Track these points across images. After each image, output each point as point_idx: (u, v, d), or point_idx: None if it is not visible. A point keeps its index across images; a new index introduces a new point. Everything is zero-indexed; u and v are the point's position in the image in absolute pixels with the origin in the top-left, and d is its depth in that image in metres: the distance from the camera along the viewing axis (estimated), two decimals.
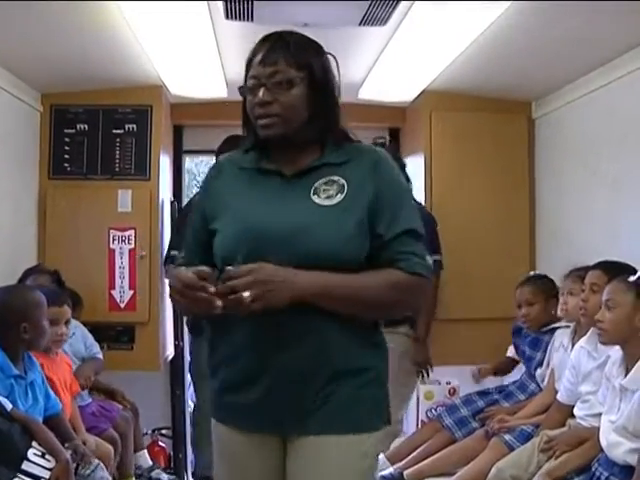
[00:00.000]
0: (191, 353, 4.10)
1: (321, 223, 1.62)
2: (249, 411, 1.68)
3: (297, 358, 1.61)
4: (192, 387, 4.13)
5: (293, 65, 1.66)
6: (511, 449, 2.96)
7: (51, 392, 2.80)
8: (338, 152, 1.71)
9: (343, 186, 1.66)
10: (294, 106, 1.66)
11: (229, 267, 1.53)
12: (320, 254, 1.59)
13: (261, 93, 1.65)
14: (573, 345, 3.07)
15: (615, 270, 2.70)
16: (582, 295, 2.90)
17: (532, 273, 3.61)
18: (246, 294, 1.48)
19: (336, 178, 1.67)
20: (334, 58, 1.76)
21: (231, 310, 1.51)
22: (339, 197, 1.65)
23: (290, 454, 1.67)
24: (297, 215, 1.64)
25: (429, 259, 1.69)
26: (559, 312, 3.27)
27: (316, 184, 1.67)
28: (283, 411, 1.64)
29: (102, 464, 2.81)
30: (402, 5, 2.74)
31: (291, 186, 1.69)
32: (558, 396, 3.02)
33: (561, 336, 3.28)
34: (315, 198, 1.66)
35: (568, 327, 3.32)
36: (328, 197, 1.65)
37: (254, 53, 1.70)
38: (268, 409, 1.65)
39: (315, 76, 1.68)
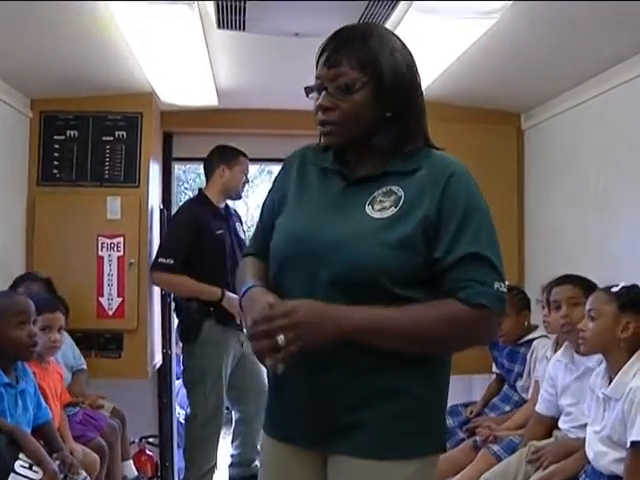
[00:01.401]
0: (183, 361, 4.08)
1: (364, 236, 1.50)
2: (283, 422, 1.64)
3: (326, 372, 1.53)
4: (186, 395, 4.12)
5: (356, 66, 1.52)
6: (499, 460, 2.97)
7: (42, 401, 2.78)
8: (410, 160, 1.57)
9: (400, 198, 1.53)
10: (355, 112, 1.54)
11: (271, 302, 1.48)
12: (357, 268, 1.48)
13: (321, 98, 1.56)
14: None
15: (580, 281, 2.84)
16: (561, 312, 2.91)
17: None
18: (280, 338, 1.40)
19: (396, 189, 1.54)
20: (409, 53, 1.62)
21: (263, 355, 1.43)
22: (392, 210, 1.52)
23: (329, 472, 1.60)
24: (346, 226, 1.53)
25: (499, 287, 1.49)
26: (543, 325, 3.28)
27: (375, 193, 1.55)
28: (314, 426, 1.57)
29: (89, 478, 2.79)
30: (393, 18, 2.76)
31: (351, 193, 1.59)
32: (537, 407, 3.04)
33: (542, 348, 3.29)
34: (369, 209, 1.54)
35: (545, 337, 3.33)
36: (382, 209, 1.53)
37: (322, 50, 1.58)
38: (298, 422, 1.60)
39: (383, 77, 1.54)
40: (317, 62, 1.58)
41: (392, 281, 1.48)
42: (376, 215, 1.53)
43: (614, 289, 2.54)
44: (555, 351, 3.12)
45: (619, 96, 3.23)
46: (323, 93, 1.55)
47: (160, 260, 3.88)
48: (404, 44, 1.62)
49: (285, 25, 2.76)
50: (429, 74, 3.53)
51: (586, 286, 2.87)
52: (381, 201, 1.54)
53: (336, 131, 1.56)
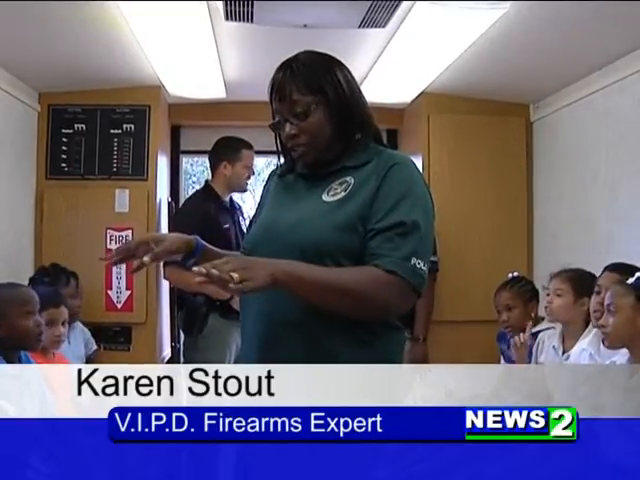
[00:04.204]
0: (185, 354, 4.07)
1: (318, 217, 1.71)
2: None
3: (283, 354, 1.66)
4: None
5: (305, 92, 1.73)
6: None
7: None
8: (361, 155, 1.77)
9: (350, 185, 1.74)
10: (318, 131, 1.75)
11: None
12: (312, 244, 1.67)
13: (287, 128, 1.75)
14: (564, 346, 3.08)
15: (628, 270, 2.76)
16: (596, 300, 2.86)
17: (510, 276, 3.56)
18: (235, 275, 1.51)
19: (349, 178, 1.75)
20: (346, 68, 1.80)
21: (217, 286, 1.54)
22: (341, 194, 1.73)
23: None
24: (303, 211, 1.74)
25: (416, 263, 1.64)
26: (543, 311, 3.27)
27: (332, 184, 1.76)
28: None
29: None
30: (401, 7, 2.74)
31: (313, 188, 1.79)
32: None
33: (549, 339, 3.26)
34: (324, 196, 1.75)
35: (552, 328, 3.31)
36: (334, 194, 1.74)
37: (271, 88, 1.78)
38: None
39: (329, 95, 1.74)
40: (270, 100, 1.78)
41: (341, 256, 1.67)
42: (329, 199, 1.74)
43: (630, 281, 2.53)
44: (563, 342, 3.11)
45: (629, 88, 3.20)
46: (287, 124, 1.75)
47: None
48: (339, 61, 1.81)
49: (293, 16, 2.76)
50: (437, 66, 3.51)
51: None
52: (335, 188, 1.75)
53: (307, 151, 1.76)
